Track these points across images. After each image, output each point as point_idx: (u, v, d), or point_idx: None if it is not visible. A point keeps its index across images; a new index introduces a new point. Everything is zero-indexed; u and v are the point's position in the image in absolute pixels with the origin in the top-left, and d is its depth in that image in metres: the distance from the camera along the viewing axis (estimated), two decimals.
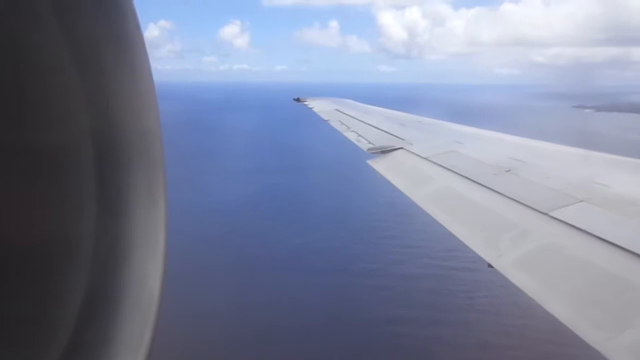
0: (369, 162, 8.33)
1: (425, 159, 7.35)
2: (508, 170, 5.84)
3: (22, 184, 1.14)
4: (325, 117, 13.97)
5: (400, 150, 8.27)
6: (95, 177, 1.23)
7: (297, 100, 18.68)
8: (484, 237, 4.46)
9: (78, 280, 1.21)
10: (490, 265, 3.95)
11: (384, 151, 8.50)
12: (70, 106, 1.17)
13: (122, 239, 1.27)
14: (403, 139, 8.99)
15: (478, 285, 25.10)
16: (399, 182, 6.82)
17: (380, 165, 7.96)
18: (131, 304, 1.25)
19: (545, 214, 4.29)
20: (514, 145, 7.93)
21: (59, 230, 1.20)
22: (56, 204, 1.20)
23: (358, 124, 11.93)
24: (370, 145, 9.19)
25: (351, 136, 10.75)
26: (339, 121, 12.78)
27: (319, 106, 16.43)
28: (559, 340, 15.67)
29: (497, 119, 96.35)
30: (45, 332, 1.16)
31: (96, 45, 1.17)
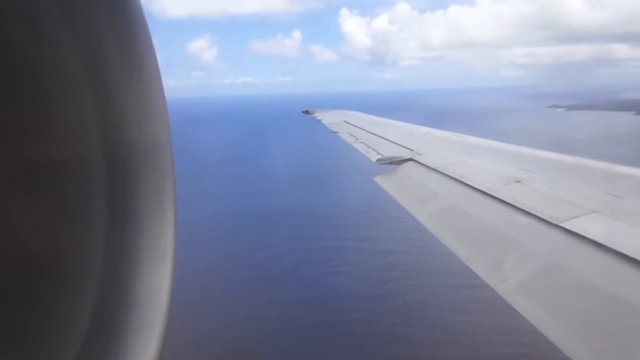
0: (376, 179, 8.12)
1: (434, 169, 7.32)
2: (518, 181, 5.80)
3: (32, 196, 1.15)
4: (334, 129, 14.00)
5: (409, 162, 8.25)
6: (105, 189, 1.24)
7: (306, 112, 18.82)
8: (490, 258, 4.36)
9: (88, 292, 1.22)
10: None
11: (393, 162, 8.48)
12: (80, 118, 1.19)
13: (131, 250, 1.27)
14: (412, 150, 8.97)
15: None
16: (406, 200, 6.71)
17: (387, 182, 7.82)
18: (140, 315, 1.25)
19: (557, 225, 4.24)
20: (524, 156, 7.88)
21: (68, 242, 1.21)
22: (66, 216, 1.21)
23: (367, 135, 11.93)
24: (379, 156, 9.18)
25: (360, 147, 10.75)
26: (348, 132, 12.80)
27: (327, 118, 16.51)
28: None
29: (460, 121, 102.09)
30: (55, 342, 1.17)
31: (107, 57, 1.18)
